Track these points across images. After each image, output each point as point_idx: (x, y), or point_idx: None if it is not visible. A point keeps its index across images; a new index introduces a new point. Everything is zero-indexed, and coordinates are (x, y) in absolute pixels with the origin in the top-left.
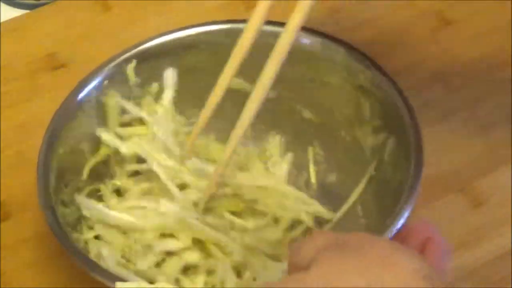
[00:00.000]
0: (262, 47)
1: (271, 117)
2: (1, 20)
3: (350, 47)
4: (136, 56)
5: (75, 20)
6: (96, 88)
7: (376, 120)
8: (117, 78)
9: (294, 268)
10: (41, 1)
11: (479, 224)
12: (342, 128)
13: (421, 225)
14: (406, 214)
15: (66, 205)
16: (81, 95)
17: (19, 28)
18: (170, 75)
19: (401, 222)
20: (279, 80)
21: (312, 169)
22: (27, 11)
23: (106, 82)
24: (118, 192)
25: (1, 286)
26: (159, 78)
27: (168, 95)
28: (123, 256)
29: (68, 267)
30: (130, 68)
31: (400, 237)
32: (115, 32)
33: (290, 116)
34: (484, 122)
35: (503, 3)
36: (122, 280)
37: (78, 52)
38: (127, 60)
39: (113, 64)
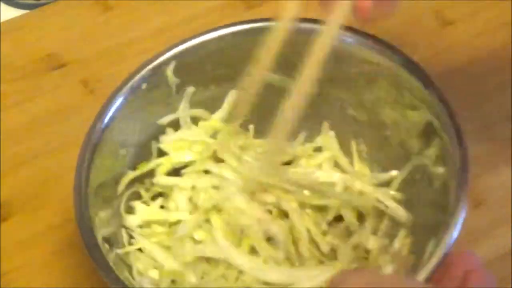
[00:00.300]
0: (300, 44)
1: (315, 111)
2: (1, 20)
3: (404, 57)
4: (174, 57)
5: (75, 20)
6: (133, 89)
7: (422, 124)
8: (156, 80)
9: None
10: (41, 1)
11: (479, 224)
12: (388, 128)
13: (464, 256)
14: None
15: (104, 210)
16: (119, 98)
17: (19, 28)
18: (230, 97)
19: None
20: (326, 78)
21: (356, 161)
22: (27, 11)
23: (144, 85)
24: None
25: (1, 286)
26: (195, 78)
27: (222, 113)
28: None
29: (69, 267)
30: (169, 70)
31: (443, 266)
32: (115, 32)
33: (334, 111)
34: (484, 122)
35: (503, 3)
36: None
37: (78, 52)
38: (167, 62)
39: (152, 65)
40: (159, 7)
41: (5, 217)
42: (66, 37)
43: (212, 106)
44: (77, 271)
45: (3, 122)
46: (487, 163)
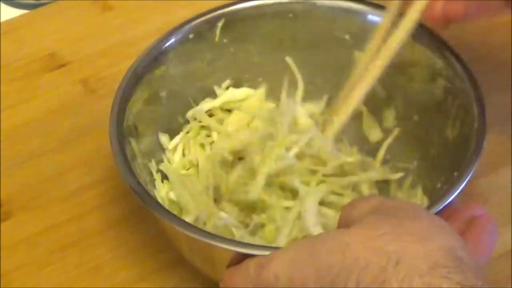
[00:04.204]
0: None
1: None
2: (1, 20)
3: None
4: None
5: (75, 20)
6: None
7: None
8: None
9: (343, 223)
10: (41, 1)
11: None
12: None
13: (470, 205)
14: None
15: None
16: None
17: (19, 28)
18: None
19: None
20: None
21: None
22: (27, 11)
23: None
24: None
25: (1, 286)
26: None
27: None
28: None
29: (69, 267)
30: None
31: (449, 210)
32: (115, 32)
33: None
34: None
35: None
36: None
37: (78, 52)
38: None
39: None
40: (159, 7)
41: (5, 217)
42: (66, 37)
43: None
44: (77, 270)
45: (3, 122)
46: (487, 164)
